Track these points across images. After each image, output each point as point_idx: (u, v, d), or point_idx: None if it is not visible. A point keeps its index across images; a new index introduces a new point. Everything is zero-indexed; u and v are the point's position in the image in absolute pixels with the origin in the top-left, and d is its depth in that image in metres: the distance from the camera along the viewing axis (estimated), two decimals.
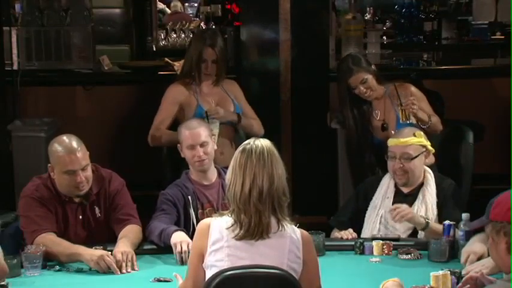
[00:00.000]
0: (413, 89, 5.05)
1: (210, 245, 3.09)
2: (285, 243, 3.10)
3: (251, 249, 3.07)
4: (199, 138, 4.33)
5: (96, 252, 3.82)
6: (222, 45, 5.19)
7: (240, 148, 3.17)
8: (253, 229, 3.07)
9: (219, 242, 3.09)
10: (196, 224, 4.14)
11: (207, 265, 3.10)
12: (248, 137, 3.47)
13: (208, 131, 4.41)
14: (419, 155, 4.34)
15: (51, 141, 4.14)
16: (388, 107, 5.02)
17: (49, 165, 4.10)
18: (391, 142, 4.41)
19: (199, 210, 4.28)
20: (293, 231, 3.14)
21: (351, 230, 4.23)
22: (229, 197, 3.14)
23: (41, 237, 3.93)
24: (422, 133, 4.45)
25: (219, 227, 3.11)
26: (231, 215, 3.12)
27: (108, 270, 3.75)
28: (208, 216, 4.19)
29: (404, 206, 4.17)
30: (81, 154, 4.04)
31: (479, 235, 3.71)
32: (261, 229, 3.07)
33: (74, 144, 4.05)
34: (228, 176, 3.17)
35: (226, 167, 4.18)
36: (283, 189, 3.12)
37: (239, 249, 3.07)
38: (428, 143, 4.41)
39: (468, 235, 3.80)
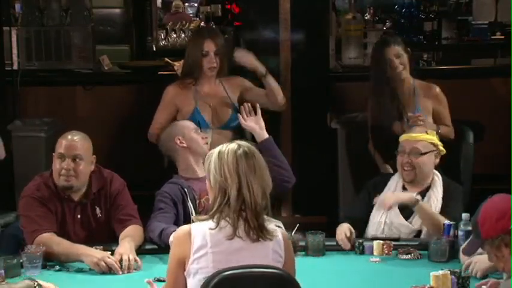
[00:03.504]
0: (438, 90, 5.07)
1: (193, 252, 2.99)
2: (269, 244, 3.05)
3: (235, 252, 3.00)
4: None
5: (97, 253, 3.82)
6: (223, 42, 5.10)
7: (230, 150, 3.08)
8: (248, 231, 3.01)
9: (203, 248, 2.99)
10: (195, 215, 4.18)
11: (190, 273, 3.00)
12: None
13: None
14: (428, 152, 4.35)
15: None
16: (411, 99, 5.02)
17: (54, 153, 4.13)
18: (403, 137, 4.42)
19: (197, 201, 4.29)
20: (275, 231, 3.08)
21: (346, 225, 4.16)
22: (219, 199, 3.04)
23: (41, 237, 3.93)
24: (435, 133, 4.49)
25: (202, 233, 3.01)
26: (217, 219, 3.02)
27: (107, 272, 3.75)
28: (206, 205, 4.22)
29: (388, 195, 4.22)
30: (79, 145, 4.08)
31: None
32: (254, 231, 3.02)
33: (76, 134, 4.14)
34: (217, 177, 3.05)
35: None
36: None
37: (223, 253, 2.99)
38: (440, 144, 4.43)
39: (468, 235, 3.79)
